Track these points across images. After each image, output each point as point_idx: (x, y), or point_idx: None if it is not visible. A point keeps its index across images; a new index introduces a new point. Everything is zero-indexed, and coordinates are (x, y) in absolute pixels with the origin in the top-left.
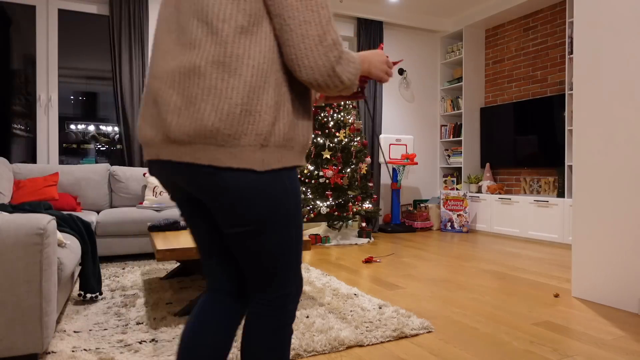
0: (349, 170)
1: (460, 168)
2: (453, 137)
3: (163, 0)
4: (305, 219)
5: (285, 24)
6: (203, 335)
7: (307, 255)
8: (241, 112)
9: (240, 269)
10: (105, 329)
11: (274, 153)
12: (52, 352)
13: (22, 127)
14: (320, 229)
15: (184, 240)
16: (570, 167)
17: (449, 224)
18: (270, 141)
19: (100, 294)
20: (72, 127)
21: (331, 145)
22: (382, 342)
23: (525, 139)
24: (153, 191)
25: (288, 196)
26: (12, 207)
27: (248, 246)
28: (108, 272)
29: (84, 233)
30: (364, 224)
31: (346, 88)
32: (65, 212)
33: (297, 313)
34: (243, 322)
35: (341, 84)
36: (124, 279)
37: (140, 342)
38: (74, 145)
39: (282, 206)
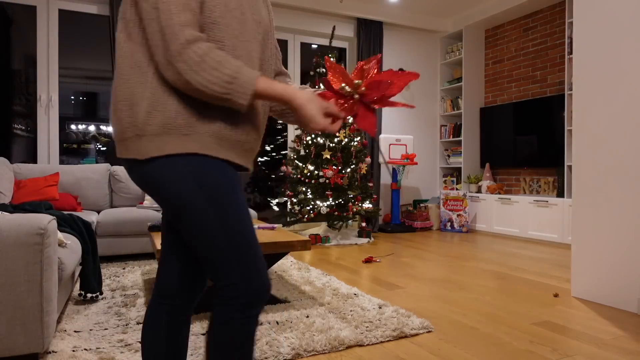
0: (349, 170)
1: (460, 168)
2: (453, 137)
3: None
4: (305, 219)
5: (144, 25)
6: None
7: (307, 255)
8: (123, 108)
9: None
10: (105, 329)
11: (153, 142)
12: (53, 351)
13: (23, 127)
14: (320, 229)
15: None
16: (569, 167)
17: (449, 224)
18: (146, 130)
19: (101, 293)
20: (73, 127)
21: (331, 145)
22: (382, 342)
23: (525, 139)
24: None
25: (187, 181)
26: (13, 207)
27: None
28: (108, 271)
29: (85, 233)
30: (364, 224)
31: (206, 95)
32: (65, 212)
33: (297, 313)
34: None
35: (187, 85)
36: (125, 279)
37: (140, 342)
38: (75, 145)
39: (177, 192)
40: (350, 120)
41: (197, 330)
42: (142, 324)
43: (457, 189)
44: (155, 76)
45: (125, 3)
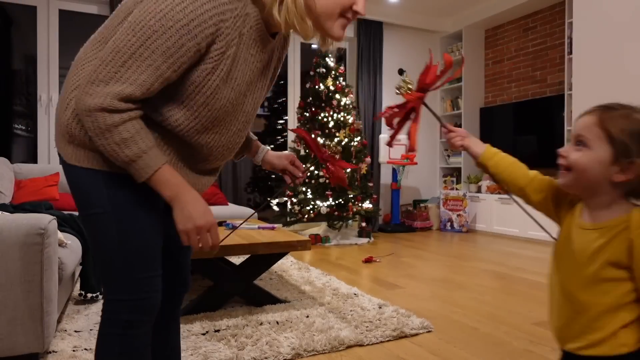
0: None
1: (460, 168)
2: None
3: None
4: (305, 219)
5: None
6: None
7: (307, 255)
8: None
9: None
10: None
11: (76, 150)
12: (53, 351)
13: (23, 127)
14: (320, 229)
15: None
16: None
17: (449, 223)
18: (75, 139)
19: (101, 293)
20: None
21: (331, 145)
22: (382, 342)
23: (525, 139)
24: None
25: (81, 192)
26: (13, 207)
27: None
28: None
29: (85, 233)
30: (363, 224)
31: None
32: (66, 212)
33: (297, 313)
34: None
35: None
36: None
37: None
38: None
39: (77, 199)
40: (351, 120)
41: (197, 330)
42: None
43: (457, 189)
44: None
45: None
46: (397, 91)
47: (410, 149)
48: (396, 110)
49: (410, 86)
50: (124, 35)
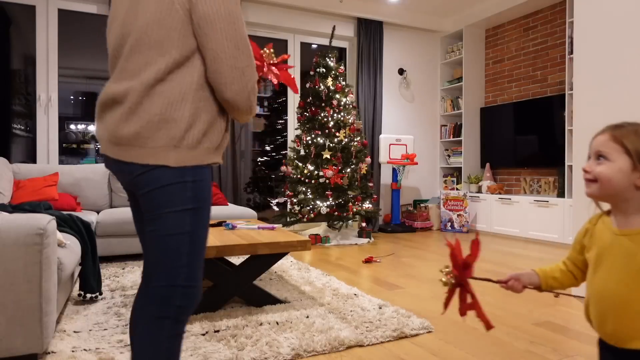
0: (349, 170)
1: (460, 168)
2: (453, 137)
3: (109, 28)
4: (305, 219)
5: (218, 57)
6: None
7: (307, 255)
8: (159, 121)
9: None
10: (105, 329)
11: (185, 153)
12: (52, 352)
13: (22, 127)
14: (320, 229)
15: None
16: (570, 167)
17: (449, 224)
18: (182, 144)
19: (100, 294)
20: (72, 127)
21: (331, 145)
22: (382, 342)
23: (525, 139)
24: None
25: (187, 190)
26: (12, 207)
27: (150, 231)
28: (108, 272)
29: (84, 233)
30: (364, 224)
31: (250, 114)
32: (65, 212)
33: (297, 313)
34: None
35: (249, 109)
36: (124, 279)
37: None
38: (74, 145)
39: (179, 198)
40: (351, 120)
41: (197, 330)
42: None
43: (457, 189)
44: (193, 99)
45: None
46: (444, 284)
47: (488, 327)
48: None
49: (450, 276)
50: (228, 27)
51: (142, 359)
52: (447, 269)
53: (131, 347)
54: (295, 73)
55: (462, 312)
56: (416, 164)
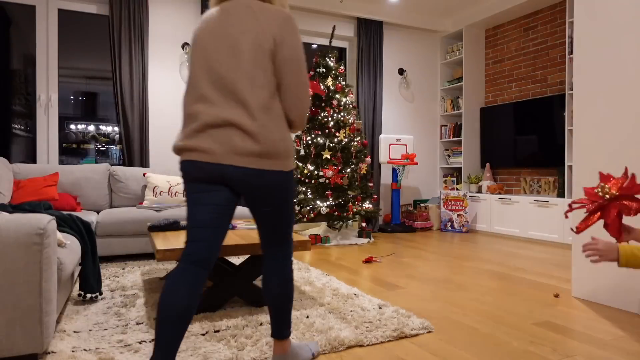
0: (349, 170)
1: (460, 168)
2: (453, 137)
3: (200, 44)
4: (305, 219)
5: (290, 91)
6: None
7: (307, 255)
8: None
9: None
10: (105, 329)
11: (290, 160)
12: (52, 352)
13: (22, 127)
14: (320, 229)
15: (183, 240)
16: (570, 167)
17: (449, 224)
18: (290, 154)
19: (100, 294)
20: (72, 127)
21: (331, 145)
22: (382, 342)
23: (525, 139)
24: (153, 191)
25: (293, 186)
26: (12, 207)
27: (275, 216)
28: (108, 272)
29: (84, 233)
30: (364, 224)
31: (302, 129)
32: (65, 212)
33: (297, 313)
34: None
35: (302, 127)
36: (124, 279)
37: (140, 342)
38: (74, 145)
39: (292, 192)
40: (351, 120)
41: (197, 330)
42: (165, 280)
43: (457, 189)
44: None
45: (265, 53)
46: (599, 192)
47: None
48: (590, 206)
49: (607, 190)
50: (301, 63)
51: (290, 288)
52: (605, 188)
53: (272, 302)
54: None
55: (581, 229)
56: (416, 164)
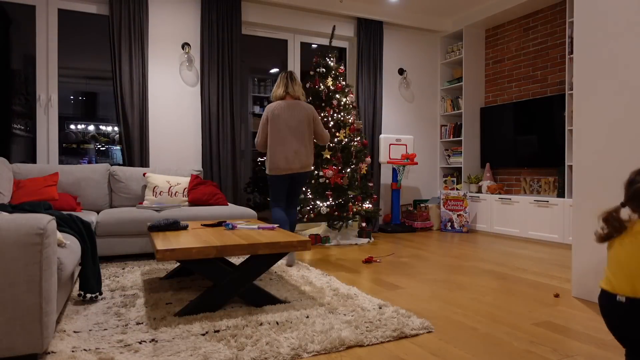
0: (349, 170)
1: (460, 168)
2: (453, 137)
3: (280, 118)
4: (305, 219)
5: (319, 134)
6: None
7: (307, 255)
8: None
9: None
10: (105, 329)
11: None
12: (52, 352)
13: (22, 127)
14: (320, 229)
15: (184, 240)
16: (570, 167)
17: (449, 224)
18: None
19: (100, 294)
20: (72, 127)
21: (331, 145)
22: (382, 342)
23: (525, 139)
24: (153, 191)
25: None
26: (12, 207)
27: (299, 189)
28: (108, 272)
29: (84, 233)
30: (364, 224)
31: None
32: (65, 212)
33: (297, 313)
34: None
35: (326, 145)
36: (124, 279)
37: (140, 342)
38: (74, 145)
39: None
40: (351, 120)
41: (197, 330)
42: (277, 211)
43: (457, 189)
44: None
45: (310, 122)
46: None
47: None
48: None
49: None
50: (320, 124)
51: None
52: None
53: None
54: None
55: None
56: (416, 164)
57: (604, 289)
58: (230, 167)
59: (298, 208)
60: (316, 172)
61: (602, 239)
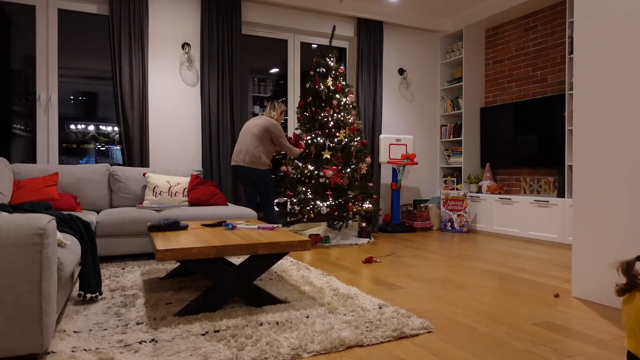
0: (349, 170)
1: (460, 168)
2: (453, 137)
3: (247, 125)
4: (305, 219)
5: (279, 143)
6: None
7: (307, 255)
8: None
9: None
10: (105, 329)
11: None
12: (52, 352)
13: (22, 127)
14: (320, 229)
15: (184, 240)
16: (570, 167)
17: (449, 224)
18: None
19: (100, 294)
20: (72, 127)
21: (331, 145)
22: (382, 342)
23: (525, 139)
24: (153, 191)
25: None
26: (12, 207)
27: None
28: (108, 272)
29: (84, 233)
30: (364, 224)
31: (294, 155)
32: (65, 212)
33: (297, 313)
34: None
35: (293, 155)
36: (124, 279)
37: (140, 342)
38: (74, 145)
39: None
40: (351, 120)
41: (197, 330)
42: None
43: (457, 189)
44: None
45: (264, 132)
46: None
47: None
48: None
49: None
50: (280, 135)
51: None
52: None
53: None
54: (295, 73)
55: None
56: (416, 164)
57: (631, 353)
58: (230, 167)
59: (298, 208)
60: (316, 172)
61: (622, 292)
